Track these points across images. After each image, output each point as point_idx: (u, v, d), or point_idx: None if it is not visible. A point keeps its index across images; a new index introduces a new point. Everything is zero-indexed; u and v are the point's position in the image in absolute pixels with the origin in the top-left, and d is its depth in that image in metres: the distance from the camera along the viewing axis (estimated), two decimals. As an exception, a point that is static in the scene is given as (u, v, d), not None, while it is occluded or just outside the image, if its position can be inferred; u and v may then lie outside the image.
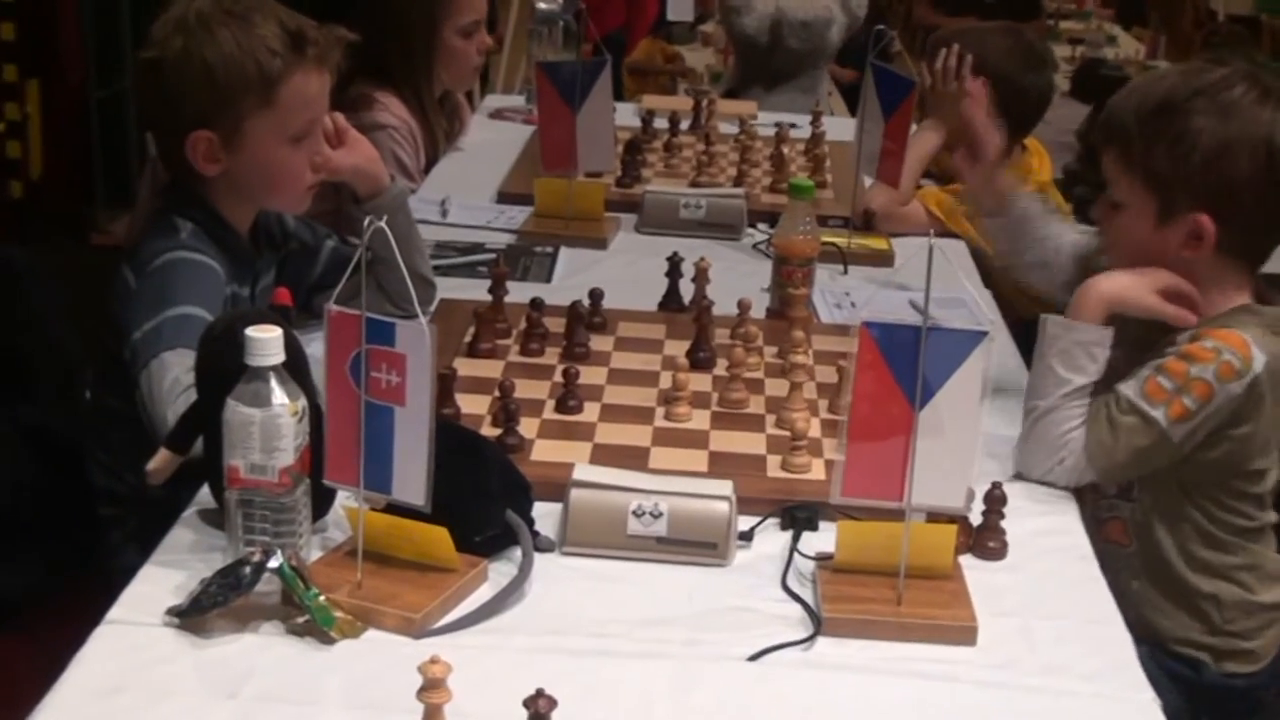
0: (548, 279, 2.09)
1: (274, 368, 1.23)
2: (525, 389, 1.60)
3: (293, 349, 1.27)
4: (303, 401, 1.26)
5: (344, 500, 1.32)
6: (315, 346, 1.27)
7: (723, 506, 1.34)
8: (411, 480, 1.21)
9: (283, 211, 1.70)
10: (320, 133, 1.66)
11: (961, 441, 1.24)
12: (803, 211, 1.95)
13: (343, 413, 1.22)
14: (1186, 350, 1.47)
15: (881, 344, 1.22)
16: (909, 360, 1.22)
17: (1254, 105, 1.45)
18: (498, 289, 1.83)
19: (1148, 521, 1.57)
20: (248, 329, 1.23)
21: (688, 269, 1.94)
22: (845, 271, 2.18)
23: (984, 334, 1.22)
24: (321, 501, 1.33)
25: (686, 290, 1.94)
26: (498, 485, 1.32)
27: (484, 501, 1.31)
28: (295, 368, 1.27)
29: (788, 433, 1.52)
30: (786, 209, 1.96)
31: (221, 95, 1.57)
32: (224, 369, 1.25)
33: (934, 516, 1.32)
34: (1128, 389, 1.46)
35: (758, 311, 1.88)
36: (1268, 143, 1.44)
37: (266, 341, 1.23)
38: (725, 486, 1.37)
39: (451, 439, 1.31)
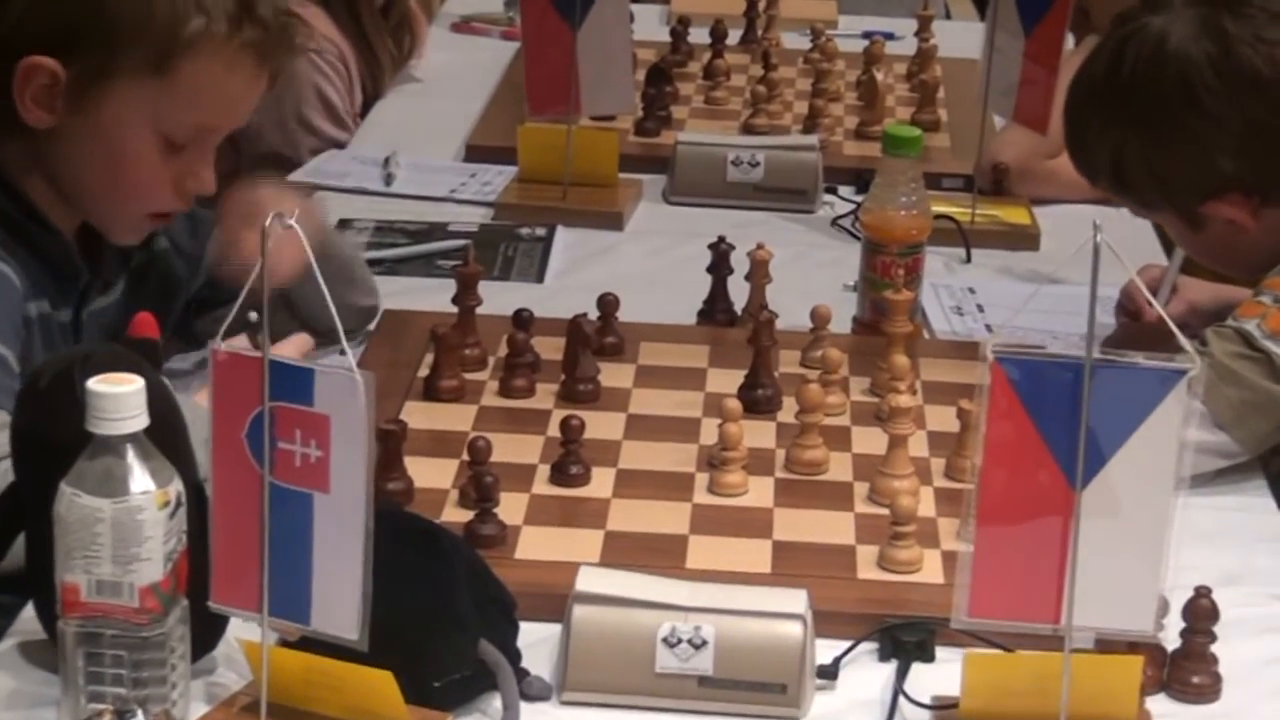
0: (538, 277, 2.10)
1: (132, 437, 1.21)
2: (507, 448, 1.60)
3: (161, 407, 1.25)
4: (177, 486, 1.24)
5: (240, 631, 1.30)
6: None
7: (793, 630, 1.32)
8: (339, 603, 1.20)
9: (102, 232, 1.66)
10: (208, 157, 1.62)
11: (1147, 532, 1.22)
12: (905, 173, 1.93)
13: (236, 503, 1.21)
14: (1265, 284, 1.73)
15: (1021, 387, 1.19)
16: (1065, 412, 1.19)
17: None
18: (466, 296, 1.81)
19: None
20: (90, 379, 1.20)
21: (739, 260, 1.93)
22: (968, 259, 2.19)
23: (1182, 372, 1.19)
24: (206, 633, 1.31)
25: (738, 292, 1.94)
26: (467, 602, 1.31)
27: (447, 628, 1.29)
28: (166, 435, 1.25)
29: (886, 510, 1.51)
30: (881, 169, 1.95)
31: (101, 22, 1.54)
32: (53, 440, 1.23)
33: (1108, 643, 1.31)
34: (1213, 344, 1.67)
35: (840, 323, 1.89)
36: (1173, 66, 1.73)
37: (120, 398, 1.20)
38: (797, 599, 1.35)
39: (400, 534, 1.30)
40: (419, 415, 1.69)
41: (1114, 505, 1.21)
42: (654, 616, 1.32)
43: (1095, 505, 1.20)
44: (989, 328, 2.00)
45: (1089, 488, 1.20)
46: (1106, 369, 1.19)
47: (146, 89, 1.56)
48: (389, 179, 2.35)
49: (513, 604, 1.36)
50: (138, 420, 1.21)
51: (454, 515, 1.52)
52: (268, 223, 1.14)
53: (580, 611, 1.33)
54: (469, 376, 1.76)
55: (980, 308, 2.05)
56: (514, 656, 1.33)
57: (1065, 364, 1.19)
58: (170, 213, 1.66)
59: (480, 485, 1.49)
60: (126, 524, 1.21)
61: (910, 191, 1.91)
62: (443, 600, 1.30)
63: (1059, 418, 1.19)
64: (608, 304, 1.84)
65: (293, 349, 1.59)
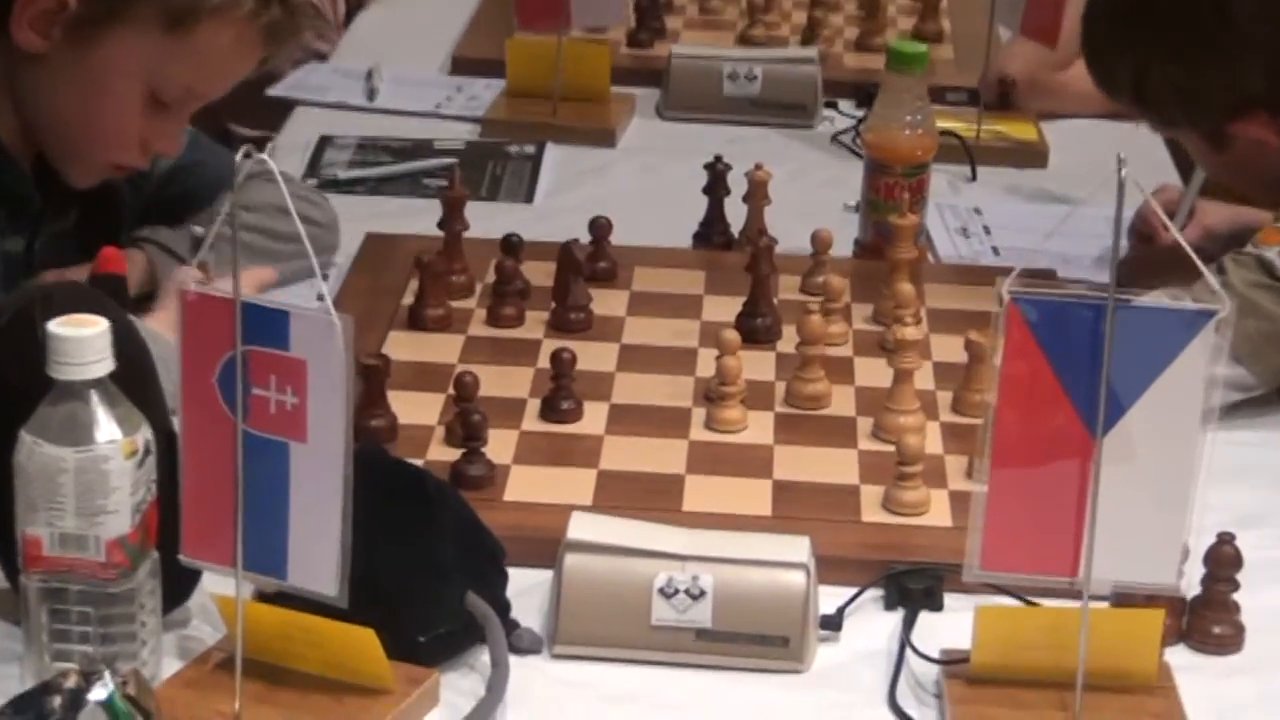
0: (527, 197, 2.08)
1: (97, 382, 1.17)
2: (496, 382, 1.57)
3: (129, 348, 1.22)
4: (145, 433, 1.19)
5: (215, 583, 1.26)
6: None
7: (795, 579, 1.29)
8: (318, 556, 1.16)
9: (58, 169, 1.63)
10: (184, 120, 1.61)
11: (1171, 481, 1.18)
12: (910, 91, 1.89)
13: (208, 452, 1.17)
14: None
15: (1039, 330, 1.15)
16: (1085, 356, 1.15)
17: None
18: (452, 221, 1.78)
19: None
20: (51, 320, 1.16)
21: (736, 181, 1.90)
22: (974, 177, 2.17)
23: (1210, 314, 1.15)
24: (179, 585, 1.27)
25: (735, 214, 1.90)
26: (452, 553, 1.28)
27: (431, 580, 1.26)
28: (134, 378, 1.22)
29: (892, 448, 1.47)
30: (884, 86, 1.92)
31: None
32: (13, 384, 1.20)
33: (1125, 596, 1.27)
34: (1232, 273, 1.62)
35: (841, 246, 1.86)
36: None
37: (83, 341, 1.16)
38: (799, 546, 1.31)
39: (381, 479, 1.26)
40: (403, 346, 1.66)
41: (1135, 453, 1.17)
42: (649, 566, 1.29)
43: (1116, 453, 1.16)
44: (996, 250, 1.97)
45: (1109, 435, 1.16)
46: (1129, 310, 1.15)
47: (151, 41, 1.55)
48: (372, 93, 2.32)
49: (501, 552, 1.32)
50: (102, 365, 1.17)
51: (440, 454, 1.49)
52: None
53: (572, 561, 1.29)
54: (455, 304, 1.73)
55: (987, 229, 2.02)
56: (503, 608, 1.30)
57: (1085, 305, 1.15)
58: (128, 167, 1.64)
59: (467, 424, 1.46)
60: (91, 474, 1.17)
61: (915, 110, 1.88)
62: (427, 551, 1.26)
63: (1078, 362, 1.15)
64: (600, 228, 1.81)
65: (250, 282, 1.56)
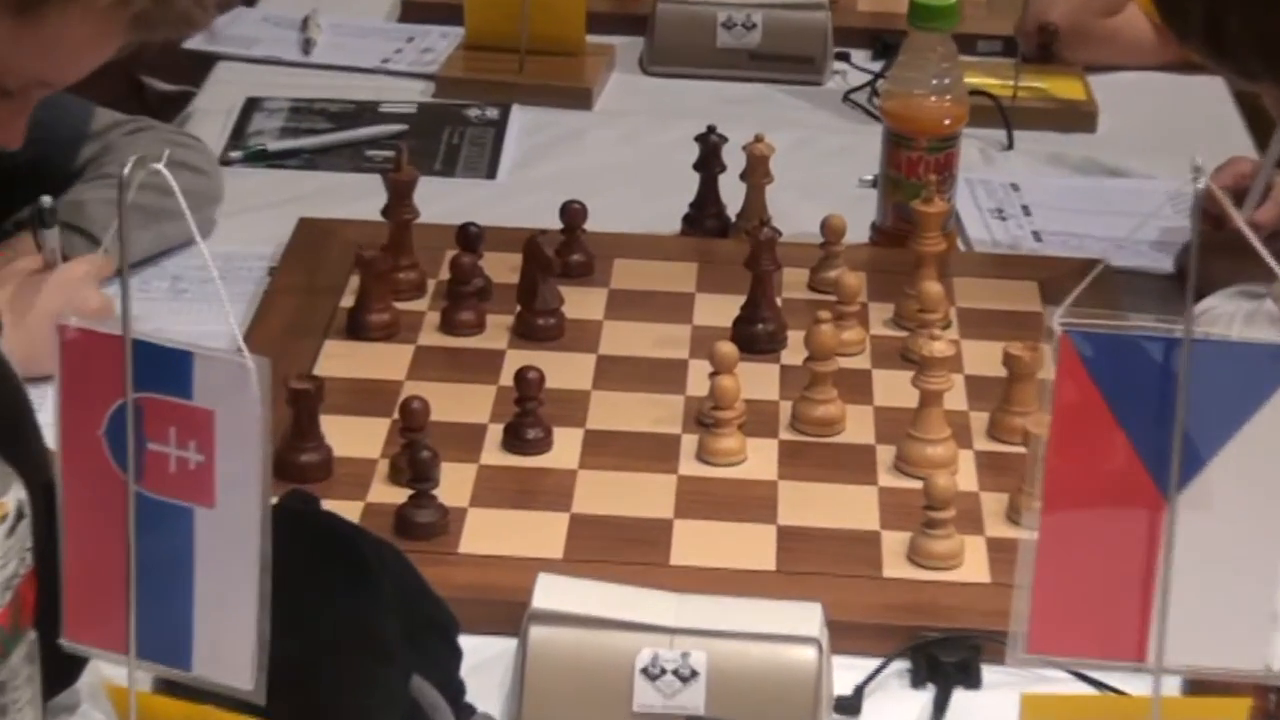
0: (489, 171, 2.06)
1: None
2: (450, 404, 1.55)
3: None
4: (17, 494, 1.15)
5: (104, 672, 1.23)
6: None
7: (805, 657, 1.25)
8: (229, 642, 1.11)
9: None
10: (27, 110, 1.57)
11: (1258, 546, 1.13)
12: (937, 50, 1.86)
13: (94, 518, 1.12)
14: None
15: (1097, 368, 1.11)
16: (1154, 401, 1.11)
17: None
18: (399, 208, 1.75)
19: None
20: None
21: (732, 154, 1.86)
22: (1010, 144, 2.13)
23: None
24: (64, 667, 1.24)
25: (731, 192, 1.86)
26: (395, 628, 1.23)
27: (369, 661, 1.22)
28: (3, 425, 1.21)
29: (917, 484, 1.44)
30: (906, 44, 1.88)
31: None
32: None
33: (1200, 683, 1.21)
34: None
35: (857, 230, 1.83)
36: None
37: None
38: (809, 616, 1.26)
39: (307, 539, 1.23)
40: (341, 359, 1.64)
41: (1215, 514, 1.12)
42: (631, 640, 1.24)
43: (1192, 514, 1.12)
44: (1037, 235, 1.93)
45: (1184, 493, 1.12)
46: (1207, 346, 1.09)
47: None
48: (307, 45, 2.29)
49: (454, 624, 1.28)
50: (-35, 409, 1.13)
51: (383, 494, 1.46)
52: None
53: (539, 634, 1.25)
54: (403, 306, 1.71)
55: (1026, 209, 1.97)
56: (456, 691, 1.26)
57: (1153, 339, 1.10)
58: None
59: (416, 462, 1.42)
60: (-47, 543, 1.12)
61: (942, 72, 1.84)
62: (364, 627, 1.21)
63: (1145, 407, 1.10)
64: (573, 214, 1.78)
65: (81, 272, 1.57)
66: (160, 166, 1.02)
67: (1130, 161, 2.04)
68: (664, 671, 1.23)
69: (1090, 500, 1.13)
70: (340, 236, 1.79)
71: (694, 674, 1.23)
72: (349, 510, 1.38)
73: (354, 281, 1.69)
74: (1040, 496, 1.12)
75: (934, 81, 1.82)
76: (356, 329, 1.65)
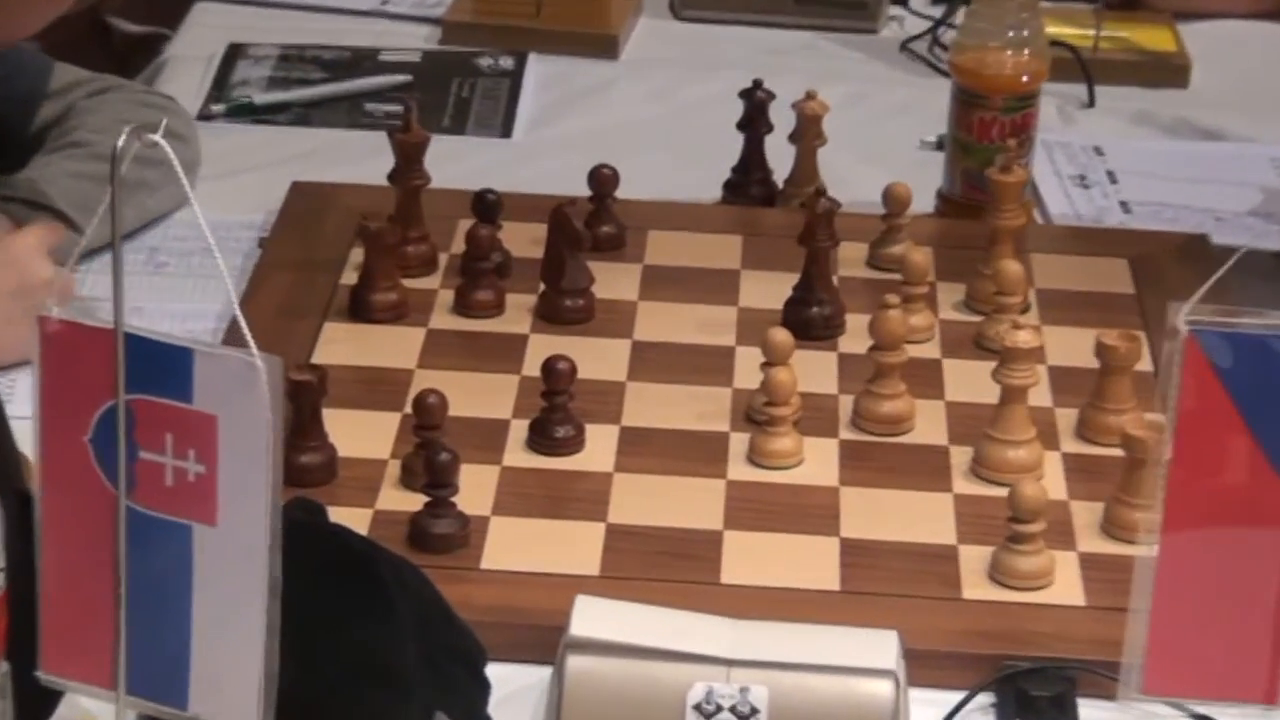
0: (504, 130, 2.06)
1: None
2: (468, 397, 1.55)
3: None
4: None
5: (84, 706, 1.23)
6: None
7: (880, 692, 1.24)
8: (231, 678, 1.12)
9: None
10: None
11: None
12: None
13: (77, 536, 1.14)
14: None
15: (1227, 373, 1.12)
16: None
17: None
18: (408, 173, 1.74)
19: None
20: None
21: (780, 111, 1.85)
22: (1091, 102, 2.14)
23: None
24: (40, 702, 1.22)
25: (778, 155, 1.86)
26: (415, 658, 1.24)
27: (386, 696, 1.22)
28: None
29: (999, 491, 1.44)
30: None
31: None
32: None
33: None
34: None
35: (921, 199, 1.82)
36: None
37: None
38: (884, 645, 1.25)
39: (316, 557, 1.22)
40: (343, 344, 1.63)
41: None
42: (682, 673, 1.23)
43: None
44: (1125, 206, 1.93)
45: None
46: None
47: None
48: None
49: (480, 654, 1.27)
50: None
51: (394, 501, 1.45)
52: None
53: (578, 665, 1.24)
54: (412, 284, 1.70)
55: (1111, 176, 1.97)
56: None
57: None
58: None
59: (433, 465, 1.41)
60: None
61: (1020, 22, 1.84)
62: (380, 657, 1.22)
63: None
64: (603, 180, 1.77)
65: (31, 243, 1.59)
66: (159, 138, 1.01)
67: (1228, 121, 2.04)
68: (719, 709, 1.23)
69: (1217, 517, 1.15)
70: (339, 203, 1.79)
71: (754, 711, 1.23)
72: (356, 519, 1.38)
73: (356, 255, 1.69)
74: (1160, 512, 1.14)
75: (1010, 34, 1.81)
76: (360, 310, 1.65)
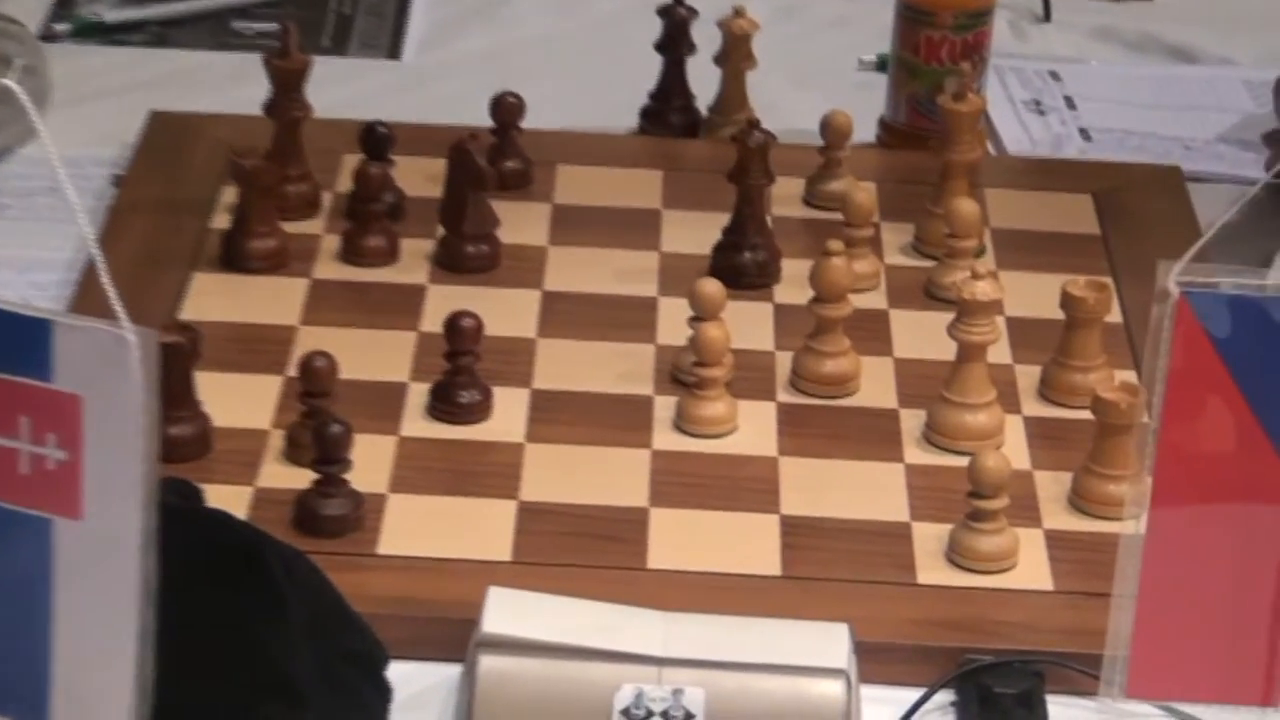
0: (390, 51, 2.08)
1: None
2: (356, 358, 1.55)
3: None
4: None
5: None
6: None
7: (829, 693, 1.24)
8: (99, 691, 1.11)
9: None
10: None
11: None
12: None
13: None
14: None
15: (1226, 344, 1.12)
16: None
17: None
18: (287, 103, 1.73)
19: None
20: None
21: (704, 30, 1.88)
22: (1047, 16, 2.15)
23: None
24: None
25: (703, 81, 1.88)
26: (307, 661, 1.24)
27: (275, 706, 1.22)
28: None
29: (955, 460, 1.46)
30: None
31: None
32: None
33: None
34: None
35: (863, 130, 1.83)
36: None
37: None
38: (833, 641, 1.26)
39: (193, 549, 1.23)
40: (215, 298, 1.64)
41: None
42: (608, 674, 1.24)
43: None
44: (1086, 134, 1.94)
45: None
46: None
47: None
48: None
49: (381, 657, 1.28)
50: None
51: (277, 478, 1.45)
52: None
53: (490, 666, 1.24)
54: (293, 229, 1.70)
55: (1069, 101, 1.99)
56: None
57: None
58: None
59: (323, 438, 1.40)
60: None
61: None
62: (267, 662, 1.22)
63: None
64: (507, 109, 1.77)
65: None
66: (12, 85, 0.99)
67: (1197, 38, 2.04)
68: (650, 713, 1.24)
69: (1210, 498, 1.15)
70: (207, 135, 1.79)
71: (689, 716, 1.23)
72: (234, 498, 1.38)
73: (228, 196, 1.69)
74: (1149, 491, 1.14)
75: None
76: (234, 258, 1.65)
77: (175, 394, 1.45)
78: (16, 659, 1.12)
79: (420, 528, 1.41)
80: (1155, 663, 1.17)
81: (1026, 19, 2.10)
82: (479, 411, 1.50)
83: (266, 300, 1.62)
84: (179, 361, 1.45)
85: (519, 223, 1.70)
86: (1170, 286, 1.09)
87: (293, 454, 1.45)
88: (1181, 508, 1.15)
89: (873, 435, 1.51)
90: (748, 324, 1.59)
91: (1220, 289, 1.10)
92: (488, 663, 1.24)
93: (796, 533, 1.42)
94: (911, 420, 1.52)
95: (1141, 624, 1.17)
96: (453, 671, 1.28)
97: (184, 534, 1.19)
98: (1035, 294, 1.61)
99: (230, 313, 1.60)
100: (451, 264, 1.66)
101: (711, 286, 1.50)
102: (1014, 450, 1.48)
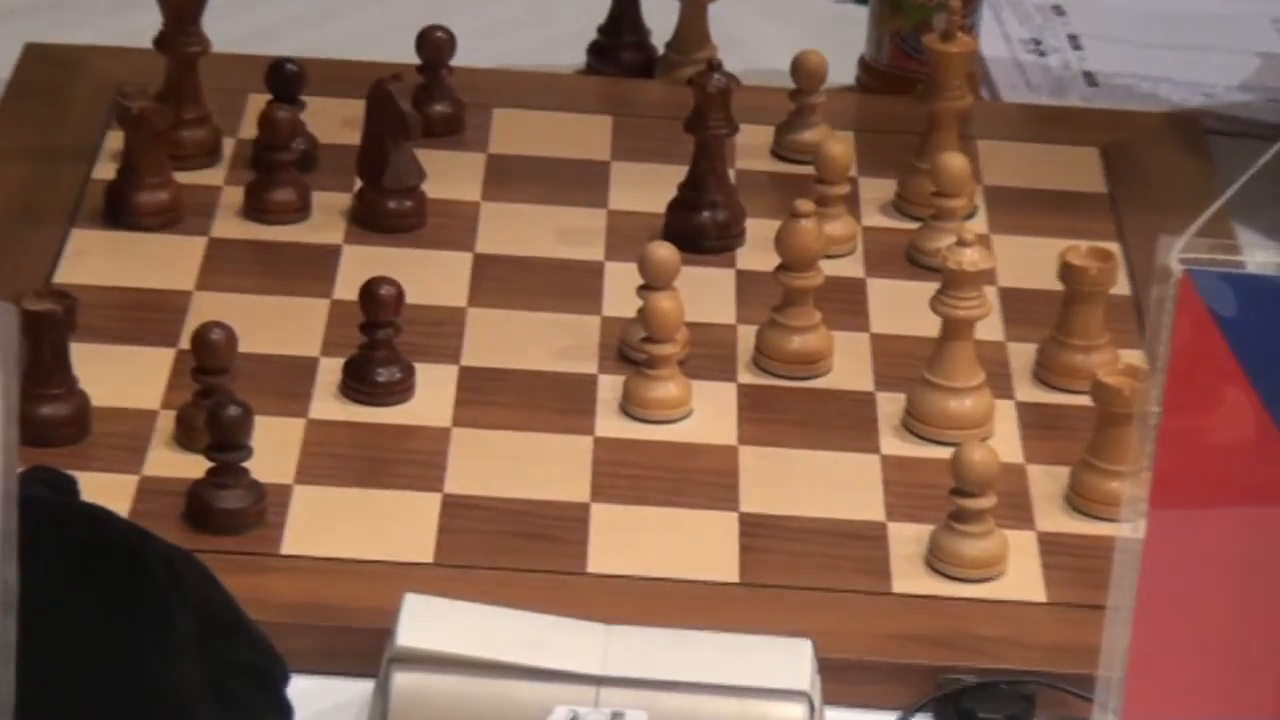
0: None
1: None
2: (260, 329, 1.56)
3: None
4: None
5: None
6: None
7: (791, 715, 1.24)
8: None
9: None
10: None
11: None
12: None
13: None
14: None
15: (1231, 324, 1.11)
16: None
17: None
18: (180, 34, 1.74)
19: None
20: None
21: None
22: None
23: None
24: None
25: (659, 13, 1.91)
26: (194, 676, 1.23)
27: (153, 717, 1.22)
28: None
29: (938, 452, 1.48)
30: None
31: None
32: None
33: None
34: None
35: (840, 72, 1.85)
36: None
37: None
38: (795, 658, 1.27)
39: (63, 541, 1.23)
40: (98, 258, 1.64)
41: None
42: (539, 694, 1.25)
43: None
44: (1090, 78, 1.95)
45: None
46: None
47: None
48: None
49: (280, 670, 1.27)
50: None
51: (166, 465, 1.45)
52: None
53: (405, 683, 1.25)
54: (188, 179, 1.71)
55: (1074, 40, 2.00)
56: None
57: None
58: None
59: (219, 421, 1.40)
60: None
61: None
62: (153, 677, 1.22)
63: None
64: (436, 46, 1.77)
65: None
66: None
67: None
68: None
69: (1215, 493, 1.14)
70: (89, 71, 1.80)
71: None
72: (115, 489, 1.38)
73: (114, 141, 1.71)
74: (1147, 484, 1.13)
75: None
76: (119, 213, 1.66)
77: (47, 369, 1.45)
78: None
79: (329, 524, 1.41)
80: (1155, 684, 1.17)
81: (1022, -56, 2.15)
82: (399, 391, 1.50)
83: (157, 262, 1.62)
84: (52, 331, 1.45)
85: (448, 175, 1.71)
86: (1172, 264, 1.09)
87: (184, 439, 1.44)
88: (1183, 509, 1.15)
89: (845, 422, 1.52)
90: (706, 294, 1.60)
91: (1229, 267, 1.10)
92: (402, 679, 1.24)
93: (757, 533, 1.42)
94: (889, 405, 1.52)
95: (1139, 640, 1.17)
96: (364, 688, 1.28)
97: (53, 532, 1.20)
98: (1032, 262, 1.63)
99: (114, 276, 1.60)
100: (370, 221, 1.66)
101: (663, 251, 1.51)
102: (1004, 441, 1.49)
